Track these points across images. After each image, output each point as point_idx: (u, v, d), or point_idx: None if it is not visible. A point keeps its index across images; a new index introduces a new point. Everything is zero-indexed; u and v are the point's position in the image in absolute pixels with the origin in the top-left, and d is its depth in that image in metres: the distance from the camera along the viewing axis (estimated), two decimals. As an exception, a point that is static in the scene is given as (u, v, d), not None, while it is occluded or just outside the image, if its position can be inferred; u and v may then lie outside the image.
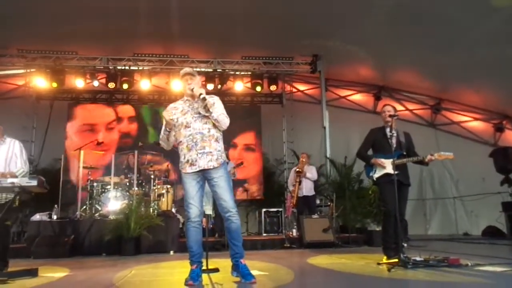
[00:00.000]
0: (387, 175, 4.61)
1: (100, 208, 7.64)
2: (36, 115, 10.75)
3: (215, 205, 3.84)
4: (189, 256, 3.55)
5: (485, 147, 11.33)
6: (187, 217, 3.57)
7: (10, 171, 4.34)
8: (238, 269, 3.51)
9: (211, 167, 3.53)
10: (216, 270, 4.06)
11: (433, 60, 9.51)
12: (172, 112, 3.70)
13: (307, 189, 8.21)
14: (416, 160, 4.64)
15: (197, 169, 3.53)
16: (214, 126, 3.62)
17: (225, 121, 3.62)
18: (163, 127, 3.71)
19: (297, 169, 8.09)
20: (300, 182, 8.06)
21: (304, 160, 8.29)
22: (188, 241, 3.56)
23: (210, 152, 3.55)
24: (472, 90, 10.76)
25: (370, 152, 4.94)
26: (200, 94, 3.54)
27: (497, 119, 11.53)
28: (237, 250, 3.55)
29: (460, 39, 8.46)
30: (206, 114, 3.57)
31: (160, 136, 3.76)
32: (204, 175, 3.57)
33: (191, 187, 3.56)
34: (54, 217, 7.20)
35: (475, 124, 11.89)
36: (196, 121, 3.61)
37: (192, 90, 3.63)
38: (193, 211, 3.53)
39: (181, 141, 3.64)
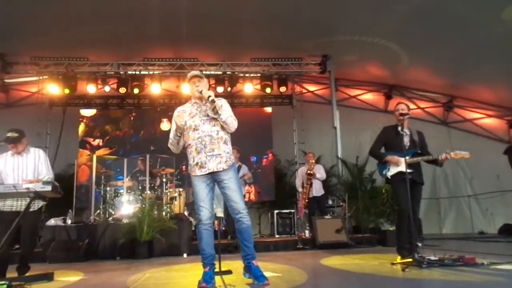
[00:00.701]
0: (401, 173, 4.57)
1: (113, 212, 7.71)
2: (49, 121, 10.90)
3: (226, 207, 3.84)
4: (201, 259, 3.56)
5: (499, 144, 11.17)
6: (198, 220, 3.57)
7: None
8: (251, 271, 3.51)
9: (221, 169, 3.54)
10: (229, 272, 4.06)
11: (445, 57, 9.41)
12: (181, 116, 3.71)
13: (316, 189, 8.17)
14: (430, 159, 4.59)
15: (207, 172, 3.54)
16: (222, 128, 3.63)
17: (233, 123, 3.63)
18: (173, 132, 3.71)
19: (308, 171, 8.04)
20: (311, 184, 8.03)
21: (312, 161, 8.24)
22: (200, 244, 3.57)
23: (219, 154, 3.56)
24: (485, 86, 10.61)
25: (382, 150, 4.91)
26: (209, 96, 3.54)
27: (511, 115, 11.35)
28: (248, 252, 3.55)
29: (471, 35, 8.34)
30: (215, 117, 3.58)
31: (170, 141, 3.76)
32: (213, 178, 3.58)
33: (201, 189, 3.57)
34: (69, 221, 7.30)
35: (488, 121, 11.72)
36: (204, 124, 3.61)
37: (200, 92, 3.64)
38: (204, 213, 3.53)
39: (189, 144, 3.64)
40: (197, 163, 3.57)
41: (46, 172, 4.57)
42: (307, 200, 8.01)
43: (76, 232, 7.00)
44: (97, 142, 10.84)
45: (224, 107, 3.64)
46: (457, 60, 9.44)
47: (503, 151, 10.45)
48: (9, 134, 4.41)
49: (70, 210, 7.53)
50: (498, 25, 7.79)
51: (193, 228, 7.89)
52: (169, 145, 3.83)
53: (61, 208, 7.77)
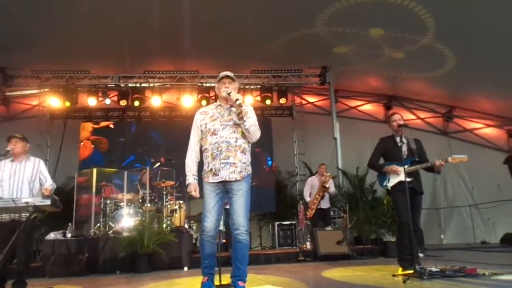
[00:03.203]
0: (401, 183, 4.56)
1: (113, 226, 7.68)
2: (50, 134, 10.95)
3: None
4: (201, 268, 3.50)
5: (499, 154, 11.21)
6: (202, 229, 3.46)
7: (35, 188, 4.53)
8: None
9: (233, 180, 3.40)
10: (229, 286, 4.03)
11: (443, 68, 9.47)
12: (201, 117, 3.60)
13: (324, 202, 8.10)
14: (426, 166, 4.59)
15: (219, 180, 3.41)
16: (243, 136, 3.49)
17: (256, 133, 3.48)
18: (195, 138, 3.59)
19: (324, 184, 7.92)
20: (323, 196, 7.98)
21: (328, 174, 8.11)
22: (201, 253, 3.50)
23: (234, 163, 3.42)
24: (484, 96, 10.67)
25: (381, 161, 4.91)
26: (237, 99, 3.39)
27: (510, 125, 11.38)
28: (238, 273, 3.38)
29: (470, 46, 8.40)
30: (239, 122, 3.44)
31: (190, 151, 3.60)
32: (225, 187, 3.45)
33: (210, 199, 3.45)
34: (69, 235, 7.26)
35: (488, 130, 11.76)
36: (224, 129, 3.47)
37: (229, 94, 3.49)
38: (209, 224, 3.42)
39: (206, 149, 3.51)
40: (211, 169, 3.44)
41: (51, 181, 4.64)
42: (314, 212, 7.95)
43: (76, 245, 6.96)
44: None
45: (249, 114, 3.50)
46: (456, 73, 9.50)
47: (503, 161, 10.51)
48: (15, 135, 4.55)
49: (69, 224, 7.50)
50: (497, 37, 7.84)
51: (194, 241, 7.89)
52: (187, 160, 3.60)
53: (61, 222, 7.75)
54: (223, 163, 3.40)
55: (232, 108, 3.52)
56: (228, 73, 3.63)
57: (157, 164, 8.58)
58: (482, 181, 11.05)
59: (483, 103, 11.08)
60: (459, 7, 7.32)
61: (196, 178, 3.53)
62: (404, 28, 8.29)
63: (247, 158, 3.53)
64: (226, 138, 3.44)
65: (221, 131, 3.46)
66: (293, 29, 8.74)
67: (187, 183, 3.53)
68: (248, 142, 3.54)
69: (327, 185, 7.94)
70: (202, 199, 3.54)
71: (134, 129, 11.33)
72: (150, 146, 10.91)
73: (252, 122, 3.46)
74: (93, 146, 10.79)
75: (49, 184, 4.59)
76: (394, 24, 8.18)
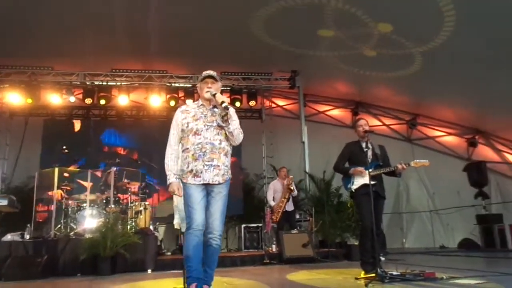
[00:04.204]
0: (365, 186, 4.66)
1: (75, 227, 7.45)
2: (9, 132, 10.50)
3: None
4: (186, 273, 3.18)
5: (459, 161, 11.65)
6: (188, 225, 3.24)
7: None
8: None
9: (216, 183, 3.31)
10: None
11: (408, 77, 9.76)
12: (183, 116, 3.45)
13: (289, 204, 8.16)
14: (389, 170, 4.72)
15: (201, 182, 3.28)
16: (226, 139, 3.41)
17: (239, 136, 3.43)
18: (175, 137, 3.44)
19: (290, 187, 7.96)
20: (289, 199, 8.03)
21: (291, 176, 8.19)
22: (186, 253, 3.20)
23: (218, 166, 3.32)
24: (446, 106, 11.07)
25: (346, 165, 5.01)
26: (222, 102, 3.28)
27: (469, 134, 11.87)
28: (205, 277, 3.25)
29: (434, 57, 8.70)
30: (223, 125, 3.36)
31: (170, 150, 3.42)
32: (206, 188, 3.33)
33: (196, 192, 3.28)
34: (27, 237, 6.97)
35: (449, 139, 12.20)
36: (208, 130, 3.36)
37: (214, 95, 3.37)
38: (197, 216, 3.21)
39: (187, 148, 3.36)
40: (191, 170, 3.30)
41: None
42: (281, 215, 7.98)
43: (34, 247, 6.67)
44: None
45: (234, 117, 3.43)
46: (420, 80, 9.82)
47: (463, 168, 10.95)
48: None
49: (28, 225, 7.20)
50: (460, 50, 8.17)
51: (158, 243, 7.77)
52: (166, 160, 3.41)
53: (19, 223, 7.43)
54: (206, 165, 3.29)
55: (215, 109, 3.43)
56: (211, 72, 3.51)
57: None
58: (442, 187, 11.45)
59: (445, 112, 11.49)
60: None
61: (178, 177, 3.38)
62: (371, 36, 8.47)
63: (228, 161, 3.45)
64: (210, 139, 3.34)
65: (204, 132, 3.35)
66: (263, 32, 8.77)
67: (168, 183, 3.36)
68: (231, 144, 3.47)
69: (292, 187, 8.02)
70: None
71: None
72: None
73: (236, 125, 3.41)
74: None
75: None
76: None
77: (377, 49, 8.72)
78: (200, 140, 3.32)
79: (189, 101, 9.81)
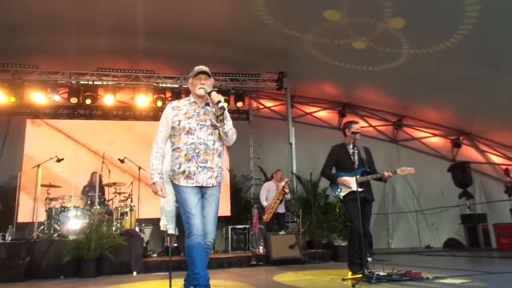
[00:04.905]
0: (352, 192, 4.67)
1: (59, 228, 7.32)
2: (-9, 131, 10.28)
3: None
4: (193, 281, 2.99)
5: (444, 162, 11.79)
6: (188, 231, 3.07)
7: None
8: None
9: (210, 185, 3.20)
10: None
11: (395, 79, 9.84)
12: (174, 113, 3.28)
13: (281, 206, 8.18)
14: (376, 177, 4.74)
15: (194, 184, 3.15)
16: (220, 139, 3.28)
17: (233, 137, 3.31)
18: (163, 134, 3.26)
19: (285, 189, 7.98)
20: (281, 201, 8.03)
21: (287, 179, 8.22)
22: (191, 261, 3.03)
23: (211, 167, 3.20)
24: (431, 107, 11.19)
25: (333, 170, 5.01)
26: (219, 101, 3.11)
27: (454, 135, 12.02)
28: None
29: (420, 59, 8.79)
30: (217, 125, 3.21)
31: (155, 148, 3.26)
32: (200, 190, 3.21)
33: (191, 196, 3.13)
34: (9, 238, 6.83)
35: (434, 140, 12.34)
36: (201, 130, 3.21)
37: (209, 94, 3.18)
38: (196, 222, 3.06)
39: (179, 148, 3.21)
40: (183, 172, 3.15)
41: None
42: (272, 216, 7.98)
43: (16, 249, 6.53)
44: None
45: (228, 117, 3.28)
46: (406, 83, 9.91)
47: (448, 169, 11.09)
48: None
49: (10, 226, 7.05)
50: (445, 50, 8.25)
51: (144, 245, 7.68)
52: (151, 158, 3.24)
53: (1, 224, 7.28)
54: (200, 166, 3.16)
55: (208, 107, 3.29)
56: (204, 68, 3.35)
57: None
58: (427, 187, 11.58)
59: (431, 114, 11.62)
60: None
61: (162, 177, 3.23)
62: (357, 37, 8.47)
63: (222, 162, 3.33)
64: (204, 140, 3.20)
65: (198, 132, 3.20)
66: (251, 34, 8.75)
67: (152, 182, 3.20)
68: (224, 145, 3.35)
69: (287, 190, 8.02)
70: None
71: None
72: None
73: (230, 125, 3.27)
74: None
75: None
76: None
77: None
78: (194, 140, 3.18)
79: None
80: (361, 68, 9.61)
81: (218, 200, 3.28)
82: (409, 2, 7.29)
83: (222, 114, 3.16)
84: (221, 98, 3.16)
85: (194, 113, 3.27)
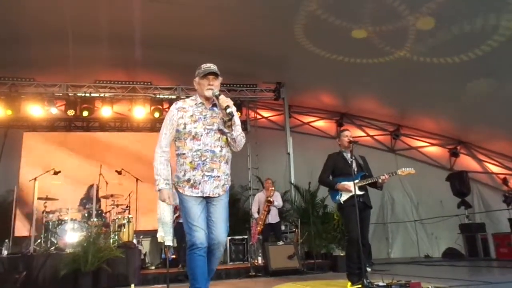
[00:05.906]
0: (353, 197, 4.65)
1: (55, 242, 7.26)
2: (-13, 144, 10.25)
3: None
4: None
5: (442, 171, 11.79)
6: (191, 243, 2.91)
7: None
8: None
9: (216, 195, 3.02)
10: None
11: (393, 90, 9.89)
12: (179, 115, 3.08)
13: (272, 216, 8.15)
14: (376, 180, 4.72)
15: (199, 194, 2.97)
16: (227, 144, 3.08)
17: (242, 142, 3.12)
18: (167, 137, 3.07)
19: (268, 198, 8.00)
20: (269, 211, 8.01)
21: (271, 188, 8.23)
22: (192, 275, 2.89)
23: (218, 176, 3.02)
24: (429, 117, 11.23)
25: (330, 177, 5.01)
26: (227, 106, 2.92)
27: (452, 144, 12.04)
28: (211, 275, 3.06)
29: (418, 71, 8.85)
30: (225, 130, 3.03)
31: (159, 153, 3.07)
32: (206, 199, 3.04)
33: (194, 206, 2.96)
34: (5, 252, 6.77)
35: (432, 149, 12.35)
36: (208, 135, 3.01)
37: (217, 97, 3.01)
38: (200, 234, 2.89)
39: (184, 154, 3.02)
40: (188, 180, 2.97)
41: None
42: (262, 227, 7.97)
43: (12, 263, 6.46)
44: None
45: (237, 121, 3.07)
46: (403, 93, 9.96)
47: (446, 178, 11.09)
48: None
49: (6, 240, 6.99)
50: (443, 63, 8.32)
51: (142, 257, 7.62)
52: (156, 163, 3.05)
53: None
54: (206, 175, 2.97)
55: (215, 108, 3.10)
56: (213, 67, 3.13)
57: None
58: (426, 197, 11.58)
59: (428, 123, 11.66)
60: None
61: (169, 183, 3.05)
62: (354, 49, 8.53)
63: (229, 169, 3.15)
64: (210, 146, 3.00)
65: (204, 137, 3.00)
66: (248, 44, 8.81)
67: (157, 189, 3.01)
68: (231, 150, 3.16)
69: (271, 199, 8.00)
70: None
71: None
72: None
73: (239, 131, 3.07)
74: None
75: None
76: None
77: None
78: (200, 147, 2.98)
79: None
80: (359, 78, 9.67)
81: (227, 205, 3.12)
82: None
83: (231, 120, 2.97)
84: (230, 102, 2.99)
85: (201, 115, 3.07)
